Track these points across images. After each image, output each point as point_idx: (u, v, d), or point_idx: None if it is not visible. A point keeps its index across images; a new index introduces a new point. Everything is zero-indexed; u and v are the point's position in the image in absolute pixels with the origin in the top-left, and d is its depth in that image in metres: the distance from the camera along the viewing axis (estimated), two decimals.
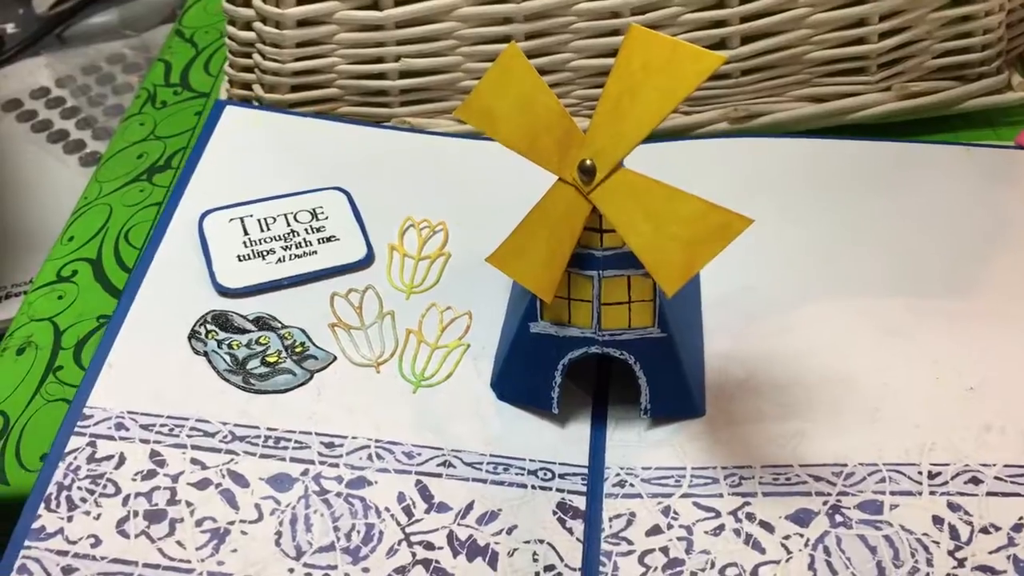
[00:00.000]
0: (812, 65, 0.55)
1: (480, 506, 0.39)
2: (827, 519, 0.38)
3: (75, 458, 0.40)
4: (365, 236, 0.49)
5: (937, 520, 0.38)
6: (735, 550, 0.38)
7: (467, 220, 0.50)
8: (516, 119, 0.38)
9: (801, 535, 0.38)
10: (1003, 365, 0.43)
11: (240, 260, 0.48)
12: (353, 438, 0.41)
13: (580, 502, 0.39)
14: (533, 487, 0.40)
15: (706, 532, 0.38)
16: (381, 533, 0.38)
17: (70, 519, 0.38)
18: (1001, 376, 0.42)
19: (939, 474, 0.39)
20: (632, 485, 0.40)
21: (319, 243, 0.49)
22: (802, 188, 0.51)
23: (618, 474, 0.40)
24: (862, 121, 0.56)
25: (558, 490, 0.40)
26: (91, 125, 0.73)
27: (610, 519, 0.39)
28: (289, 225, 0.49)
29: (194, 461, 0.40)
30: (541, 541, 0.38)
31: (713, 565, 0.37)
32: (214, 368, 0.44)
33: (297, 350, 0.44)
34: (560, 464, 0.41)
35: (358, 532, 0.38)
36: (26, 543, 0.38)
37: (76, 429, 0.41)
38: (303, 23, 0.53)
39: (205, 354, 0.44)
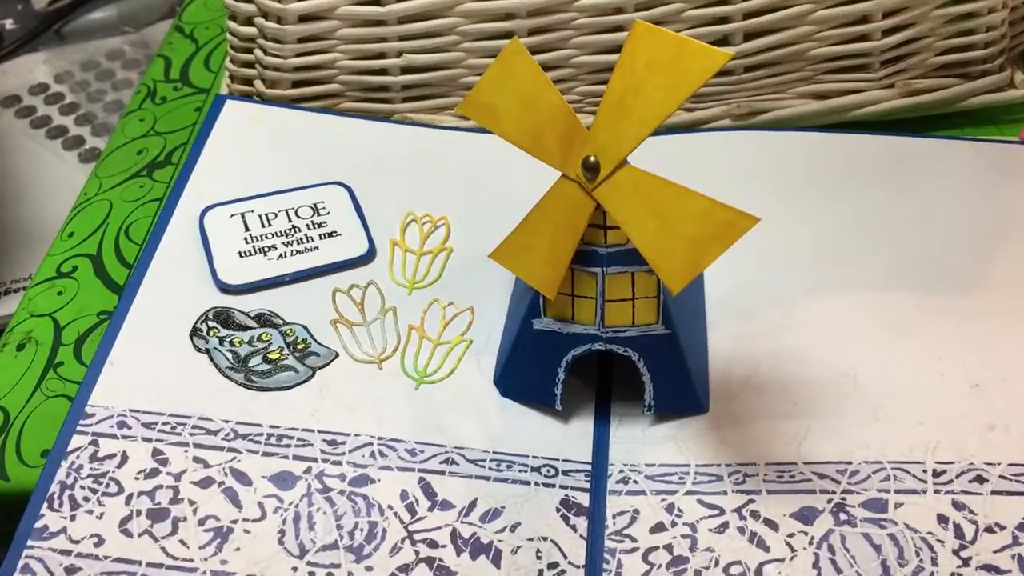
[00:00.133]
0: (815, 62, 0.55)
1: (483, 503, 0.39)
2: (831, 517, 0.38)
3: (77, 457, 0.40)
4: (367, 231, 0.49)
5: (942, 519, 0.38)
6: (739, 548, 0.38)
7: (469, 215, 0.50)
8: (519, 115, 0.38)
9: (805, 533, 0.38)
10: (1008, 363, 0.43)
11: (241, 256, 0.47)
12: (356, 435, 0.41)
13: (584, 499, 0.39)
14: (536, 484, 0.40)
15: (710, 530, 0.38)
16: (384, 531, 0.38)
17: (73, 518, 0.38)
18: (1006, 374, 0.42)
19: (944, 472, 0.39)
20: (636, 482, 0.40)
21: (320, 239, 0.48)
22: (807, 183, 0.51)
23: (622, 471, 0.40)
24: (865, 118, 0.55)
25: (561, 487, 0.40)
26: (90, 121, 0.73)
27: (614, 516, 0.39)
28: (290, 221, 0.49)
29: (197, 459, 0.40)
30: (544, 538, 0.38)
31: (717, 563, 0.37)
32: (216, 366, 0.43)
33: (299, 347, 0.44)
34: (563, 461, 0.41)
35: (361, 530, 0.38)
36: (29, 542, 0.38)
37: (78, 428, 0.41)
38: (305, 18, 0.52)
39: (207, 351, 0.44)
